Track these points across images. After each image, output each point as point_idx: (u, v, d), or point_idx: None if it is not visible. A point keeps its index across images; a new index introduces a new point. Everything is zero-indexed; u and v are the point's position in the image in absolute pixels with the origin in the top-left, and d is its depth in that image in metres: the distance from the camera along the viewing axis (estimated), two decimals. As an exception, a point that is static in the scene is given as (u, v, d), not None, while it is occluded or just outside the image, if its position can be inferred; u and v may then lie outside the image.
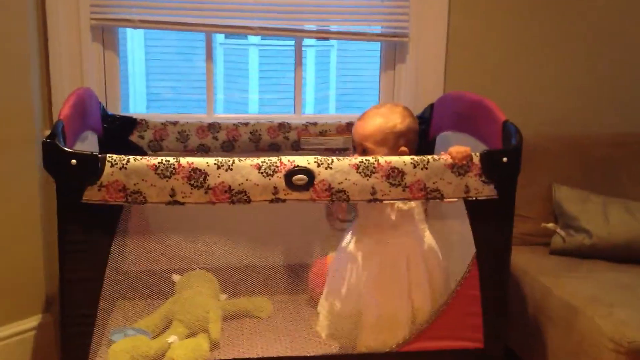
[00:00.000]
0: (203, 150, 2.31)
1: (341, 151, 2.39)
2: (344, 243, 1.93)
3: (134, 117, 2.28)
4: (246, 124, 2.32)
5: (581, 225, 2.14)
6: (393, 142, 1.82)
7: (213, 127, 2.30)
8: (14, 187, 2.06)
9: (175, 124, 2.28)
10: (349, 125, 2.37)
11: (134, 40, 7.06)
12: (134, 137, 2.28)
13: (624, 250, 2.09)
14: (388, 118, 1.84)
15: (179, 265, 2.28)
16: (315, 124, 2.36)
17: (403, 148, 1.83)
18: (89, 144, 2.01)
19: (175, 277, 2.27)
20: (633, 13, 2.57)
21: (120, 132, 2.26)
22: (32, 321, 2.20)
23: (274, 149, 2.35)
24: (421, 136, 2.31)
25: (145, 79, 7.29)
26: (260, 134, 2.32)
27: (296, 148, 2.36)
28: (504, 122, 1.77)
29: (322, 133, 2.37)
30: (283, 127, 2.34)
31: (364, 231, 1.87)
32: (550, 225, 2.23)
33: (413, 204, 1.82)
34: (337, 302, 1.88)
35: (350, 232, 1.92)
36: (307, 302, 2.18)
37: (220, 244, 2.14)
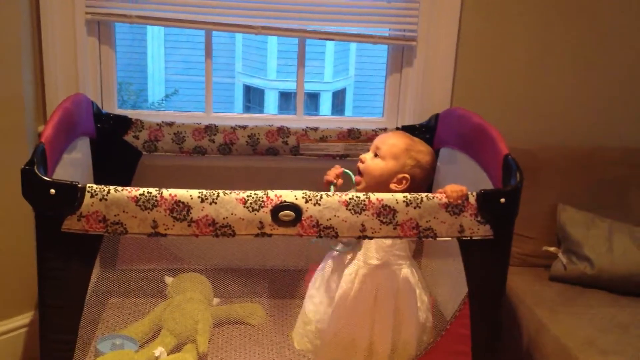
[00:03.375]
0: (199, 152, 2.26)
1: (341, 157, 2.32)
2: (327, 255, 1.91)
3: (129, 116, 2.22)
4: (244, 127, 2.25)
5: (584, 252, 2.07)
6: (402, 163, 1.80)
7: (210, 129, 2.24)
8: (4, 182, 2.03)
9: (171, 124, 2.22)
10: (350, 131, 2.30)
11: (153, 32, 6.99)
12: (128, 137, 2.22)
13: (625, 283, 2.02)
14: (414, 143, 1.84)
15: (172, 266, 2.26)
16: (315, 129, 2.29)
17: (406, 175, 1.79)
18: (78, 151, 1.97)
19: (168, 280, 2.25)
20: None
21: (115, 132, 2.21)
22: (24, 318, 2.21)
23: (272, 153, 2.29)
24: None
25: (165, 72, 7.25)
26: (258, 138, 2.26)
27: (295, 153, 2.30)
28: (505, 156, 1.69)
29: (323, 139, 2.30)
30: (282, 131, 2.27)
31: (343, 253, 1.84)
32: (553, 249, 2.16)
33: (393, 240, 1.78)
34: (309, 313, 1.88)
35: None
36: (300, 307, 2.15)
37: (215, 244, 2.12)
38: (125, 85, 6.81)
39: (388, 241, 1.77)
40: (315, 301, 1.88)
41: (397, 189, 1.79)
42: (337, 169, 1.86)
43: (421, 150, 1.84)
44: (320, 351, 1.85)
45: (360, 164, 1.85)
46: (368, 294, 1.79)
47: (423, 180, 1.83)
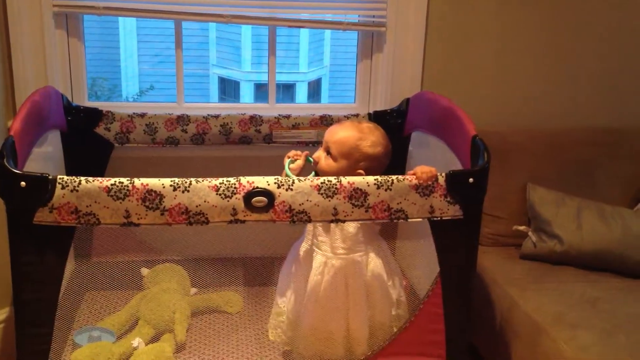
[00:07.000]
0: (172, 142, 2.25)
1: (314, 144, 2.33)
2: (296, 244, 1.92)
3: (100, 108, 2.22)
4: (216, 117, 2.26)
5: (554, 230, 2.11)
6: (354, 159, 1.80)
7: (182, 120, 2.24)
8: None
9: (142, 116, 2.22)
10: (323, 118, 2.31)
11: (125, 26, 6.92)
12: (99, 129, 2.21)
13: (593, 259, 2.07)
14: (362, 136, 1.81)
15: (148, 258, 2.26)
16: (287, 117, 2.30)
17: (360, 171, 1.80)
18: (49, 145, 1.95)
19: (144, 271, 2.25)
20: (615, 6, 2.48)
21: (86, 124, 2.20)
22: (0, 315, 2.20)
23: (245, 142, 2.29)
24: (396, 130, 2.27)
25: (138, 65, 7.19)
26: (231, 127, 2.26)
27: (268, 141, 2.31)
28: (473, 137, 1.71)
29: (295, 126, 2.31)
30: (255, 120, 2.27)
31: (312, 243, 1.85)
32: (523, 228, 2.20)
33: (359, 225, 1.79)
34: (282, 305, 1.90)
35: (302, 237, 1.89)
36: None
37: (190, 234, 2.12)
38: (99, 80, 6.75)
39: (352, 229, 1.78)
40: (286, 293, 1.89)
41: None
42: (295, 152, 1.86)
43: (372, 141, 1.81)
44: (299, 346, 1.86)
45: (315, 166, 1.85)
46: (339, 284, 1.80)
47: (379, 168, 1.83)
